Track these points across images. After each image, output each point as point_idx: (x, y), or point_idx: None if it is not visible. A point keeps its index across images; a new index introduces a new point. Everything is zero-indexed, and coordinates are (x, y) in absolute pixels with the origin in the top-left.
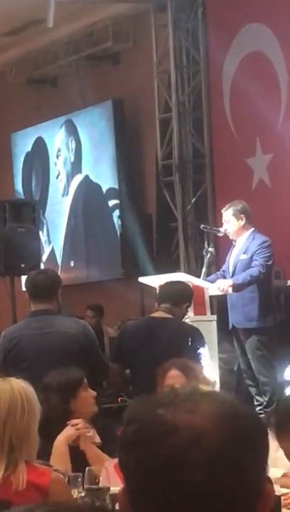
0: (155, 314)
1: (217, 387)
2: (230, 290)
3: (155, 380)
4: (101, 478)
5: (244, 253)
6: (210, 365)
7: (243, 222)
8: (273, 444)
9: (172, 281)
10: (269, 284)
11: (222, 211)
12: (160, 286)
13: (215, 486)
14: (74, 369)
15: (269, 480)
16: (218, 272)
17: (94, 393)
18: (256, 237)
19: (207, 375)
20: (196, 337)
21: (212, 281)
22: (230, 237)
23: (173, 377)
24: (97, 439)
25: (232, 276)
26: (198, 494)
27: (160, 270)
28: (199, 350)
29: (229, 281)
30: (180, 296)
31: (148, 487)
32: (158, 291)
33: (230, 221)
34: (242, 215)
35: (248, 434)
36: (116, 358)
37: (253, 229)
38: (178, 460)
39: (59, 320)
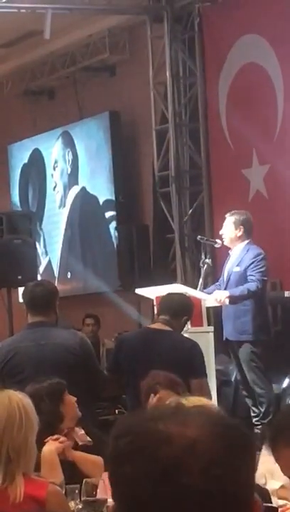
0: (153, 326)
1: (214, 399)
2: (227, 302)
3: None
4: (98, 490)
5: (237, 265)
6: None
7: (240, 233)
8: (271, 456)
9: (173, 293)
10: (263, 298)
11: (225, 215)
12: (161, 298)
13: (214, 492)
14: (53, 377)
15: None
16: (217, 283)
17: (75, 398)
18: (251, 249)
19: (207, 388)
20: (194, 351)
21: (211, 292)
22: (224, 243)
23: (163, 397)
24: (87, 438)
25: (226, 287)
26: (198, 499)
27: (157, 282)
28: (198, 364)
29: (226, 293)
30: (180, 309)
31: (147, 495)
32: (156, 302)
33: (228, 228)
34: (241, 226)
35: (239, 443)
36: (113, 367)
37: (248, 241)
38: (176, 467)
39: (56, 332)
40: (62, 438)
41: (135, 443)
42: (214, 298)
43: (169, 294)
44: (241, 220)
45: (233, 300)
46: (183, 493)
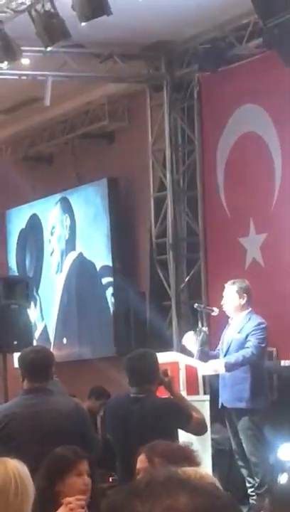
0: (132, 393)
1: (209, 468)
2: (223, 370)
3: (129, 460)
4: None
5: (238, 332)
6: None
7: (243, 302)
8: None
9: (134, 363)
10: (261, 366)
11: (225, 285)
12: (126, 369)
13: None
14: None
15: None
16: (217, 348)
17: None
18: (253, 318)
19: (199, 416)
20: (173, 407)
21: (216, 356)
22: (227, 313)
23: (139, 461)
24: None
25: (225, 354)
26: None
27: (153, 349)
28: (182, 414)
29: (221, 363)
30: (149, 380)
31: None
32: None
33: (232, 297)
34: (245, 295)
35: None
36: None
37: (250, 309)
38: None
39: (52, 398)
40: (74, 504)
41: None
42: (210, 367)
43: (131, 366)
44: (243, 288)
45: (229, 368)
46: None
